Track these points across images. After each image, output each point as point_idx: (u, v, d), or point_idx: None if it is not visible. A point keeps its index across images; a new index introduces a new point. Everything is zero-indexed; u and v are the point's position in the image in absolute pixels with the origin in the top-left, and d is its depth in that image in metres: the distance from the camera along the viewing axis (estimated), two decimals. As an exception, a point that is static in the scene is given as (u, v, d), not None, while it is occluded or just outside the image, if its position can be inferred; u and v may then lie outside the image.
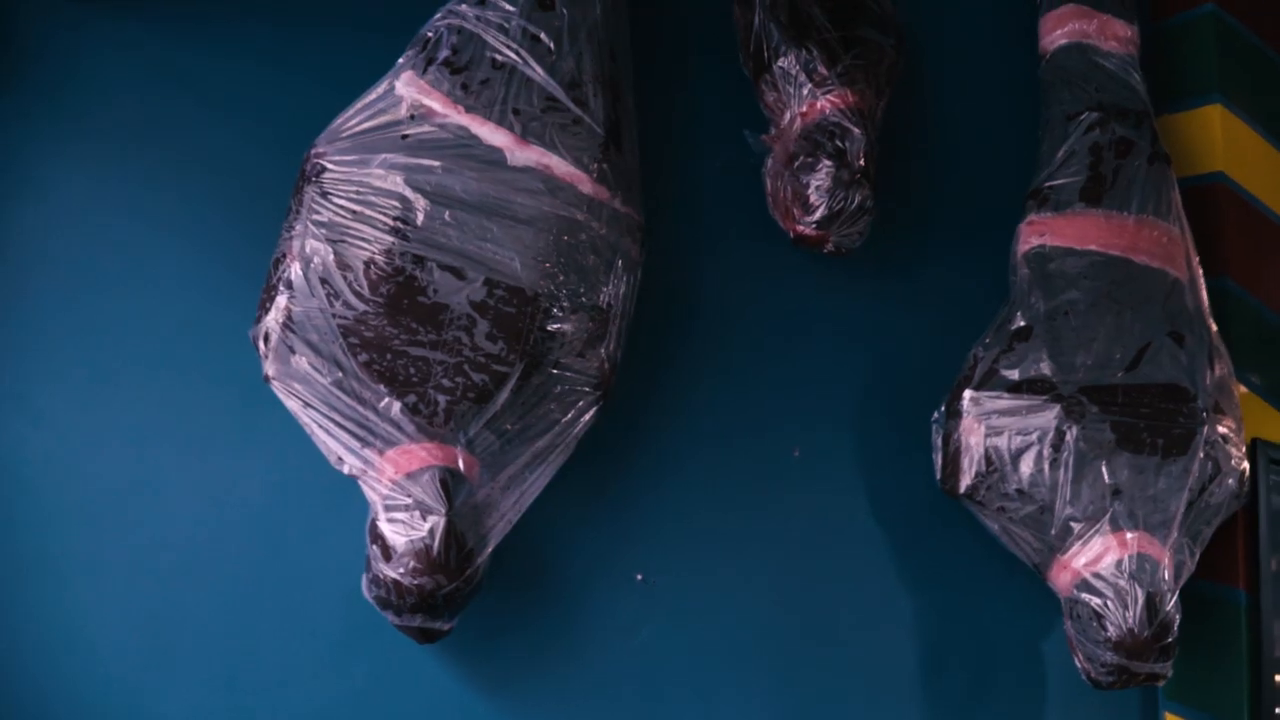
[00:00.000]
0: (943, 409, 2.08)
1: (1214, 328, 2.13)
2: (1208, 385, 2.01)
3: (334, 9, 2.00)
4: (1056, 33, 2.44)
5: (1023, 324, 2.06)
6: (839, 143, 2.01)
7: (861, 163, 2.00)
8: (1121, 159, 2.19)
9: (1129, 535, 1.88)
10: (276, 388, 1.62)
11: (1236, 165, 2.53)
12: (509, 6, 1.84)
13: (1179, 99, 2.65)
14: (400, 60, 1.79)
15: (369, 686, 1.73)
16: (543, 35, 1.83)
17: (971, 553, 2.14)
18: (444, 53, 1.79)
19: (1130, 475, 1.92)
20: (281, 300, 1.63)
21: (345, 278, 1.63)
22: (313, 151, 1.71)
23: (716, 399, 2.05)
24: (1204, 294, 2.16)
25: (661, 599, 1.92)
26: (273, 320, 1.62)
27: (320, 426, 1.61)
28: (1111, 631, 1.82)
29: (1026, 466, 1.94)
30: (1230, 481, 2.01)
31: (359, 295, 1.62)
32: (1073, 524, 1.91)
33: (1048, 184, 2.21)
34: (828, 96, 2.05)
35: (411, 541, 1.54)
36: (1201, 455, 1.96)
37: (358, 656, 1.73)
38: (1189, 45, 2.69)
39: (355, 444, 1.61)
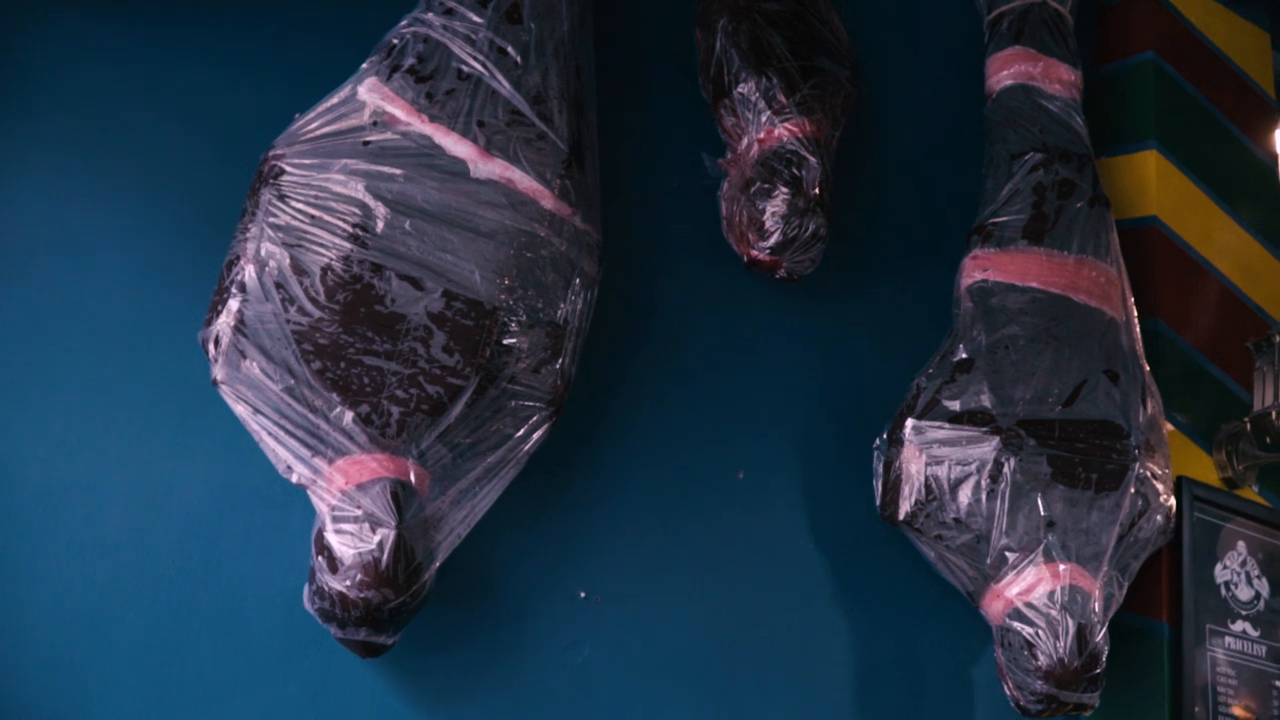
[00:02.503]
0: (884, 436, 2.12)
1: (1146, 367, 2.21)
2: (1140, 423, 2.08)
3: (291, 14, 1.97)
4: (1003, 73, 2.51)
5: (965, 356, 2.11)
6: (796, 170, 2.04)
7: (817, 191, 2.04)
8: (1064, 200, 2.26)
9: (1061, 567, 1.93)
10: (225, 392, 1.58)
11: (1170, 210, 2.63)
12: (476, 18, 1.83)
13: (1117, 143, 2.75)
14: (364, 65, 1.78)
15: (306, 700, 1.69)
16: (510, 48, 1.83)
17: (907, 578, 2.18)
18: (409, 60, 1.78)
19: (1064, 508, 1.98)
20: (234, 303, 1.59)
21: (301, 283, 1.60)
22: (271, 153, 1.69)
23: (665, 418, 2.06)
24: (1137, 334, 2.23)
25: (604, 616, 1.92)
26: (224, 323, 1.59)
27: (269, 434, 1.58)
28: (1042, 660, 1.87)
29: (965, 496, 1.99)
30: (1158, 518, 2.08)
31: (314, 301, 1.60)
32: (1007, 554, 1.95)
33: (991, 220, 2.27)
34: (786, 124, 2.08)
35: (360, 554, 1.51)
36: (1133, 491, 2.03)
37: (295, 669, 1.69)
38: (1128, 91, 2.80)
39: (305, 452, 1.58)
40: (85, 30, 1.82)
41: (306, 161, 1.68)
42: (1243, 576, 2.35)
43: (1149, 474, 2.07)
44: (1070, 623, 1.88)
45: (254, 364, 1.58)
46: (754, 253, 2.07)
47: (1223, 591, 2.31)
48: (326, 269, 1.61)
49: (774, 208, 2.02)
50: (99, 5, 1.84)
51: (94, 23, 1.83)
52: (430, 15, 1.84)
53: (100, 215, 1.76)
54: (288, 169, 1.67)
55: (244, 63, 1.92)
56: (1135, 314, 2.26)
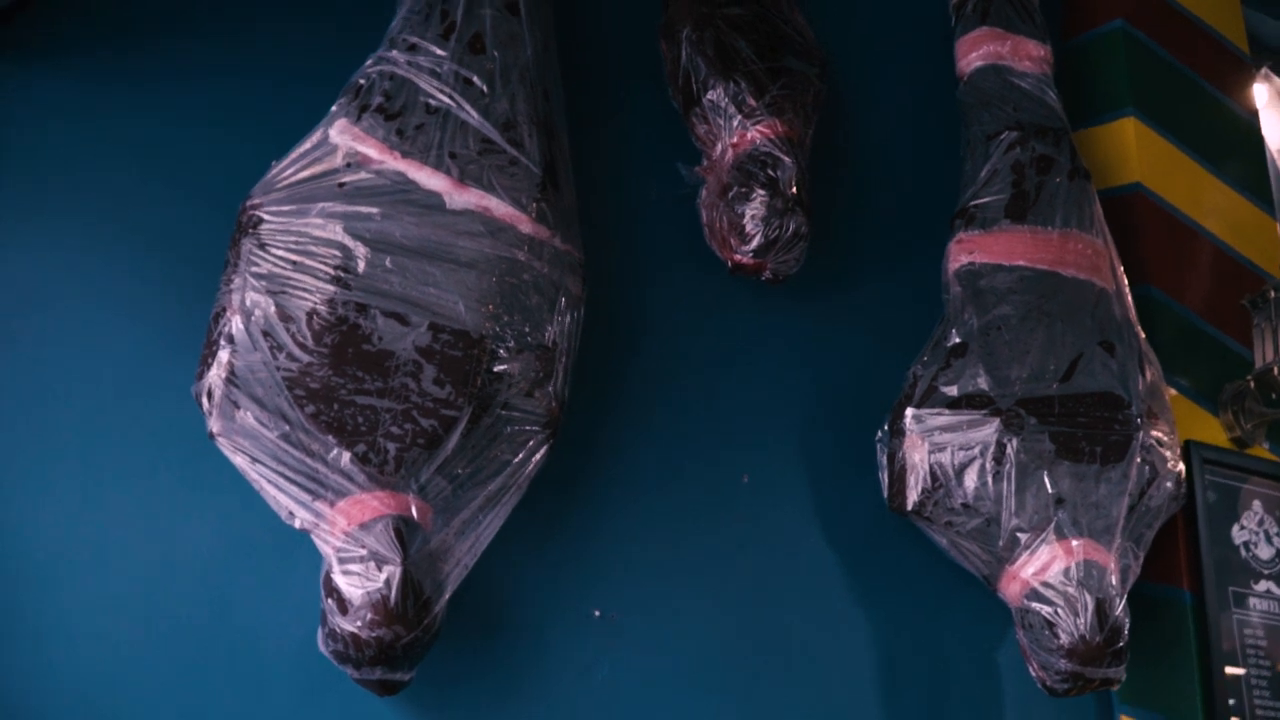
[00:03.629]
0: (886, 428, 2.11)
1: (1142, 335, 2.20)
2: (1140, 391, 2.07)
3: (258, 61, 1.99)
4: (972, 55, 2.52)
5: (958, 340, 2.10)
6: (771, 172, 2.05)
7: (794, 190, 2.04)
8: (1043, 175, 2.26)
9: (1074, 543, 1.92)
10: (222, 444, 1.59)
11: (1153, 175, 2.63)
12: (440, 51, 1.85)
13: (1094, 113, 2.75)
14: (333, 109, 1.79)
15: (329, 743, 1.69)
16: (475, 78, 1.84)
17: (923, 568, 2.17)
18: (377, 99, 1.80)
19: (1072, 484, 1.97)
20: (223, 355, 1.60)
21: (288, 329, 1.61)
22: (248, 203, 1.70)
23: (664, 430, 2.06)
24: (1130, 302, 2.23)
25: (621, 633, 1.92)
26: (215, 376, 1.60)
27: (269, 481, 1.59)
28: (1064, 639, 1.86)
29: (970, 480, 1.98)
30: (1168, 484, 2.07)
31: (303, 346, 1.61)
32: (1019, 534, 1.94)
33: (973, 203, 2.27)
34: (757, 127, 2.09)
35: (368, 593, 1.52)
36: (1139, 460, 2.02)
37: (315, 713, 1.70)
38: (1100, 61, 2.80)
39: (306, 497, 1.59)
40: (60, 92, 1.83)
41: (284, 208, 1.69)
42: (1261, 535, 2.33)
43: (1154, 441, 2.05)
44: (1088, 598, 1.87)
45: (248, 414, 1.59)
46: (737, 257, 2.07)
47: (1243, 552, 2.29)
48: (312, 313, 1.62)
49: (753, 210, 2.03)
50: (70, 68, 1.86)
51: (67, 83, 1.85)
52: (394, 53, 1.85)
53: (89, 275, 1.77)
54: (266, 217, 1.68)
55: (219, 113, 1.93)
56: (1126, 282, 2.25)
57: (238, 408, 1.59)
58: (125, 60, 1.90)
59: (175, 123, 1.90)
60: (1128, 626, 1.90)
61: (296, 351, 1.60)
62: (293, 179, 1.72)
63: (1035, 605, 1.91)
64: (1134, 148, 2.63)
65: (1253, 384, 2.36)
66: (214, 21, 1.98)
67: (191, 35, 1.96)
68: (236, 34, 1.99)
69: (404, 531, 1.57)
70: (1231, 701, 2.16)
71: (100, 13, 1.89)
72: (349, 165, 1.73)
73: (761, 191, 2.03)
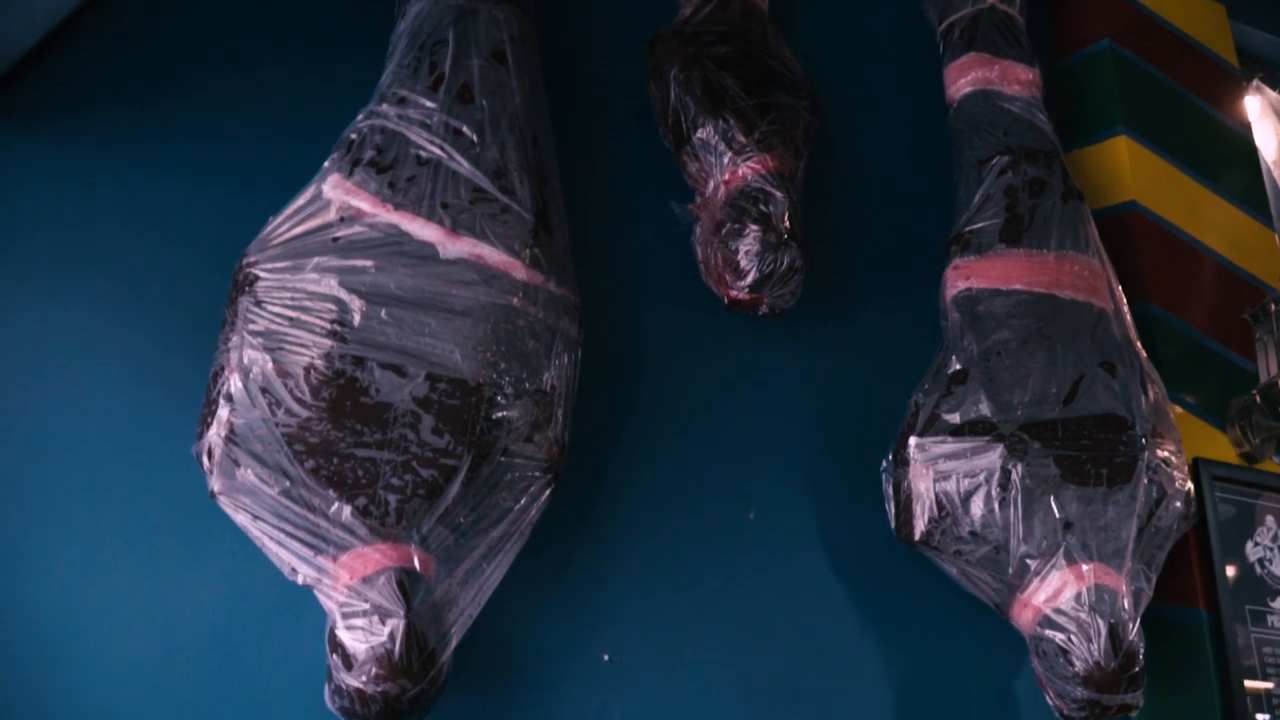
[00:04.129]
0: (890, 458, 2.10)
1: (1143, 353, 2.19)
2: (1144, 411, 2.06)
3: (252, 117, 2.02)
4: (961, 81, 2.54)
5: (958, 367, 2.10)
6: (763, 207, 2.05)
7: (787, 224, 2.05)
8: (1036, 199, 2.26)
9: (1085, 567, 1.90)
10: (224, 503, 1.60)
11: (1148, 192, 2.63)
12: (429, 103, 1.87)
13: (1086, 133, 2.76)
14: (325, 164, 1.81)
15: (340, 800, 1.68)
16: (465, 128, 1.86)
17: (935, 598, 2.15)
18: (369, 153, 1.81)
19: (1079, 507, 1.96)
20: (223, 413, 1.61)
21: (286, 385, 1.62)
22: (244, 261, 1.71)
23: (667, 469, 2.05)
24: (1129, 321, 2.22)
25: (632, 677, 1.90)
26: (215, 435, 1.61)
27: (271, 538, 1.58)
28: (1079, 666, 1.84)
29: (977, 508, 1.97)
30: (1177, 504, 2.05)
31: (301, 401, 1.61)
32: (1028, 561, 1.93)
33: (968, 228, 2.27)
34: (748, 163, 2.10)
35: (372, 648, 1.51)
36: (1145, 481, 2.00)
37: (326, 770, 1.69)
38: (1090, 81, 2.81)
39: (308, 553, 1.58)
40: (54, 157, 1.86)
41: (279, 265, 1.70)
42: (1276, 551, 2.31)
43: (1160, 461, 2.04)
44: (1101, 624, 1.85)
45: (249, 471, 1.59)
46: (733, 293, 2.08)
47: (1258, 569, 2.27)
48: (309, 368, 1.63)
49: (746, 246, 2.03)
50: (64, 133, 1.88)
51: (61, 149, 1.88)
52: (385, 106, 1.87)
53: (89, 338, 1.79)
54: (262, 275, 1.69)
55: (214, 170, 1.96)
56: (1124, 302, 2.25)
57: (238, 466, 1.59)
58: (117, 122, 1.93)
59: (171, 181, 1.92)
60: (1143, 650, 1.88)
61: (295, 407, 1.61)
62: (287, 235, 1.74)
63: (1048, 633, 1.89)
64: (1127, 166, 2.63)
65: (1259, 398, 2.34)
66: (205, 80, 2.01)
67: (184, 94, 1.99)
68: (229, 91, 2.03)
69: (407, 583, 1.57)
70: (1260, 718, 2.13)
71: (92, 77, 1.93)
72: (343, 219, 1.75)
73: (754, 227, 2.04)
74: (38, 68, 1.88)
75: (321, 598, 1.58)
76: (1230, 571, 2.21)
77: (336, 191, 1.77)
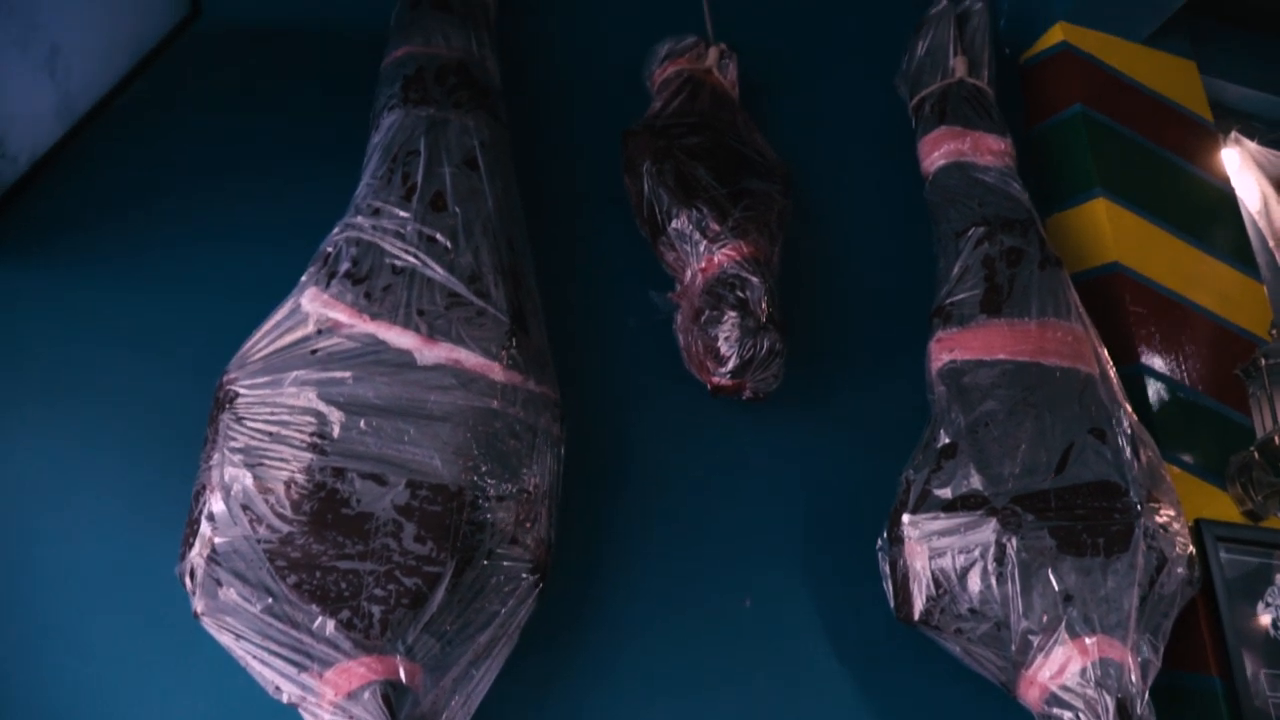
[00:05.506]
0: (885, 536, 2.08)
1: (1133, 416, 2.17)
2: (1137, 476, 2.04)
3: (233, 230, 2.06)
4: (935, 154, 2.57)
5: (947, 441, 2.09)
6: (740, 293, 2.07)
7: (765, 309, 2.06)
8: (1014, 268, 2.27)
9: (1088, 641, 1.86)
10: (207, 623, 1.59)
11: (1129, 252, 2.63)
12: (403, 213, 1.90)
13: (1064, 197, 2.78)
14: (303, 278, 1.84)
15: None
16: (438, 235, 1.89)
17: (940, 679, 2.10)
18: (345, 265, 1.84)
19: (1078, 579, 1.92)
20: (205, 533, 1.61)
21: (267, 500, 1.62)
22: (225, 379, 1.73)
23: (658, 562, 2.03)
24: (1117, 384, 2.20)
25: (633, 777, 1.87)
26: (197, 555, 1.61)
27: (255, 657, 1.57)
28: (1089, 744, 1.79)
29: (974, 584, 1.94)
30: (1179, 569, 2.01)
31: (282, 517, 1.61)
32: (1030, 636, 1.89)
33: (948, 300, 2.28)
34: (723, 250, 2.13)
35: (358, 766, 1.49)
36: (1144, 548, 1.96)
37: None
38: (1064, 145, 2.84)
39: (291, 670, 1.57)
40: (44, 280, 1.90)
41: (259, 380, 1.72)
42: (1289, 610, 2.26)
43: (1158, 527, 2.00)
44: (1108, 699, 1.80)
45: (231, 590, 1.59)
46: (715, 379, 2.08)
47: (1271, 631, 2.21)
48: (290, 482, 1.63)
49: (725, 333, 2.05)
50: (44, 258, 1.93)
51: (51, 272, 1.92)
52: (359, 218, 1.91)
53: (74, 461, 1.80)
54: (241, 391, 1.71)
55: (200, 283, 2.00)
56: (1111, 365, 2.24)
57: (220, 585, 1.59)
58: (99, 243, 1.97)
59: (154, 298, 1.96)
60: (1153, 723, 1.83)
61: (276, 522, 1.61)
62: (267, 350, 1.76)
63: (1056, 710, 1.84)
64: (1107, 227, 2.64)
65: (1257, 455, 2.31)
66: (184, 195, 2.07)
67: (163, 210, 2.04)
68: (208, 205, 2.08)
69: (393, 696, 1.55)
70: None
71: (72, 204, 1.98)
72: (320, 332, 1.77)
73: (732, 313, 2.05)
74: (18, 200, 1.93)
75: (307, 717, 1.57)
76: (1242, 634, 2.16)
77: (314, 304, 1.80)
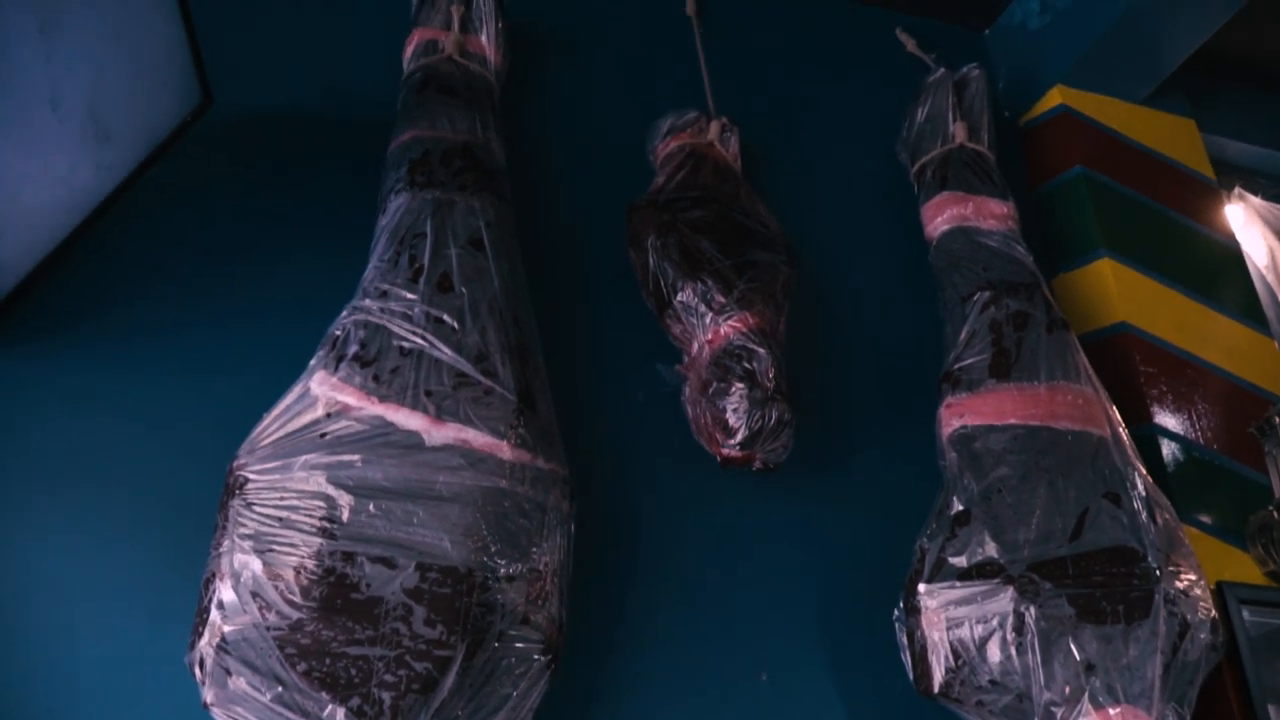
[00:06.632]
0: (901, 606, 2.06)
1: (1148, 478, 2.15)
2: (1154, 540, 2.01)
3: (237, 312, 2.08)
4: (938, 220, 2.59)
5: (960, 508, 2.07)
6: (747, 364, 2.08)
7: (772, 379, 2.06)
8: (1021, 332, 2.27)
9: (1112, 711, 1.82)
10: (217, 714, 1.58)
11: (1137, 312, 2.63)
12: (410, 295, 1.92)
13: (1069, 258, 2.79)
14: (312, 361, 1.85)
15: None
16: (445, 316, 1.91)
17: (963, 753, 2.06)
18: (353, 348, 1.86)
19: (1099, 647, 1.89)
20: (215, 621, 1.61)
21: (276, 587, 1.62)
22: (234, 464, 1.74)
23: (673, 638, 2.01)
24: (1130, 447, 2.18)
25: None
26: (206, 644, 1.60)
27: (265, 748, 1.56)
28: (1116, 819, 1.74)
29: (994, 655, 1.91)
30: (1202, 635, 1.97)
31: (291, 603, 1.61)
32: (1053, 709, 1.85)
33: (956, 365, 2.28)
34: (729, 322, 2.14)
35: None
36: (1165, 614, 1.93)
37: None
38: (1066, 207, 2.86)
39: (301, 761, 1.56)
40: (54, 368, 1.92)
41: (269, 465, 1.73)
42: (1320, 672, 2.20)
43: (1179, 592, 1.97)
44: (1136, 772, 1.76)
45: (240, 679, 1.58)
46: (725, 451, 2.08)
47: (1302, 694, 2.16)
48: (299, 568, 1.63)
49: (733, 404, 2.05)
50: (57, 335, 1.95)
51: (60, 361, 1.93)
52: (367, 301, 1.93)
53: (89, 548, 1.80)
54: (251, 477, 1.72)
55: (210, 366, 2.01)
56: (1123, 426, 2.22)
57: (230, 674, 1.58)
58: (111, 328, 1.99)
59: (165, 381, 1.97)
60: (1185, 797, 1.79)
61: (286, 609, 1.60)
62: (276, 435, 1.77)
63: (1083, 785, 1.80)
64: (1113, 287, 2.64)
65: (1276, 514, 2.28)
66: (193, 280, 2.09)
67: (174, 295, 2.06)
68: (219, 289, 2.10)
69: (405, 785, 1.53)
70: None
71: (82, 292, 2.00)
72: (329, 415, 1.78)
73: (740, 385, 2.05)
74: (31, 291, 1.96)
75: (317, 808, 1.55)
76: (1271, 699, 2.11)
77: (323, 388, 1.81)
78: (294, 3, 2.50)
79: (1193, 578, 2.03)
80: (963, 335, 2.32)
